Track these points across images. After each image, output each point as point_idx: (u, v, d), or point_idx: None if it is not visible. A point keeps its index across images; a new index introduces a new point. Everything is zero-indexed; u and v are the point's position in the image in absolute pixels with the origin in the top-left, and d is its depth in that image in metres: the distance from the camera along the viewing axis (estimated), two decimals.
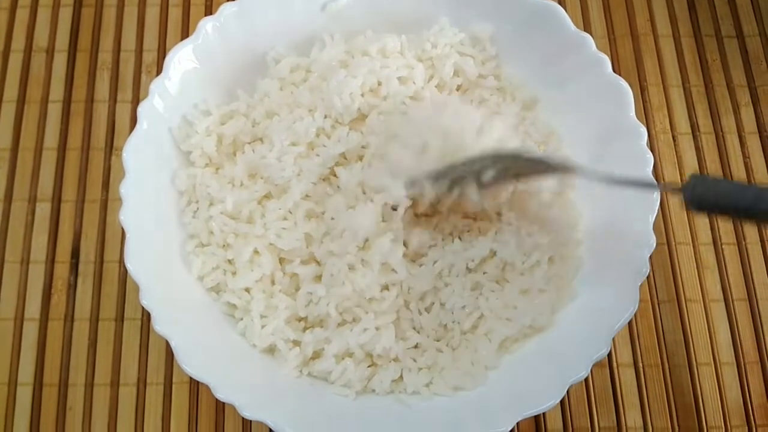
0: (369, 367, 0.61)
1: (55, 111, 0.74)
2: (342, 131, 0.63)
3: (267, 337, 0.60)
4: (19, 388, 0.65)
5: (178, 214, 0.64)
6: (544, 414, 0.64)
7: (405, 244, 0.62)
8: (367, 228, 0.60)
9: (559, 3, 0.77)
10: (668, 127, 0.74)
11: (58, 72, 0.76)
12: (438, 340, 0.62)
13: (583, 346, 0.56)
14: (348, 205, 0.61)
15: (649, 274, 0.67)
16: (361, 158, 0.64)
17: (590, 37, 0.64)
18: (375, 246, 0.60)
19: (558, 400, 0.54)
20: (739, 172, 0.73)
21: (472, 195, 0.59)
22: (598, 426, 0.64)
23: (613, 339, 0.65)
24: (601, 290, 0.60)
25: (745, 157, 0.73)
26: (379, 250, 0.60)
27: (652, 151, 0.69)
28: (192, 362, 0.55)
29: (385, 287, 0.61)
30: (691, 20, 0.78)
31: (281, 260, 0.63)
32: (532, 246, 0.61)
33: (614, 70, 0.64)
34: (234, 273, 0.62)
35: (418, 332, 0.62)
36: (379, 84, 0.65)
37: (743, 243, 0.70)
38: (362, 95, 0.65)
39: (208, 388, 0.54)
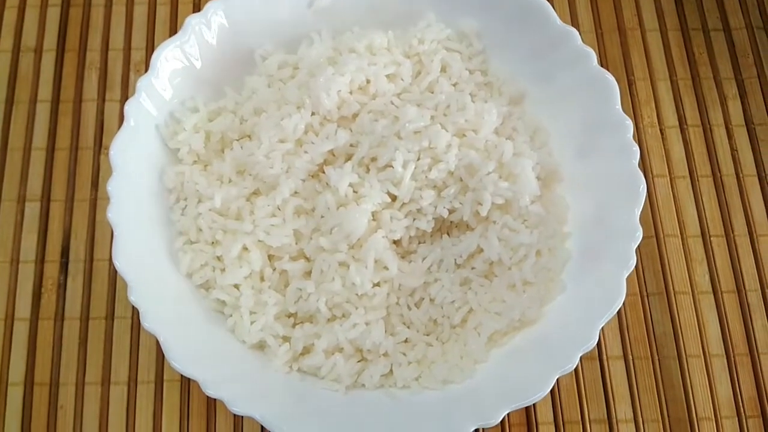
0: (359, 362, 0.61)
1: (43, 111, 0.74)
2: (330, 128, 0.64)
3: (256, 333, 0.60)
4: (10, 388, 0.65)
5: (166, 211, 0.64)
6: (534, 407, 0.64)
7: (395, 242, 0.63)
8: (361, 229, 0.60)
9: None
10: (656, 120, 0.74)
11: (46, 72, 0.76)
12: (428, 335, 0.62)
13: (571, 338, 0.56)
14: (338, 203, 0.62)
15: (637, 267, 0.68)
16: (350, 157, 0.64)
17: (576, 31, 0.64)
18: (369, 243, 0.60)
19: (546, 392, 0.54)
20: (726, 165, 0.73)
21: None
22: (589, 418, 0.64)
23: (603, 332, 0.66)
24: (588, 283, 0.60)
25: (733, 149, 0.74)
26: (373, 247, 0.60)
27: (639, 144, 0.70)
28: (180, 358, 0.55)
29: (377, 284, 0.61)
30: (677, 14, 0.79)
31: (270, 257, 0.63)
32: (518, 243, 0.61)
33: (602, 65, 0.64)
34: (223, 270, 0.62)
35: (408, 327, 0.62)
36: (368, 82, 0.65)
37: (731, 235, 0.70)
38: (350, 93, 0.65)
39: (198, 385, 0.55)
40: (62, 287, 0.68)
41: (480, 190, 0.61)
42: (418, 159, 0.62)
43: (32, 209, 0.71)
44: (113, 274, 0.68)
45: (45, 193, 0.71)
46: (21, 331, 0.67)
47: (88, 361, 0.66)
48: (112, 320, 0.67)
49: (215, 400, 0.62)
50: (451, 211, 0.63)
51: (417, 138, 0.61)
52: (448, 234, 0.64)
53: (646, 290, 0.68)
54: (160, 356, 0.66)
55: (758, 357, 0.66)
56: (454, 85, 0.67)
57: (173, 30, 0.77)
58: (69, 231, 0.70)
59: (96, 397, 0.65)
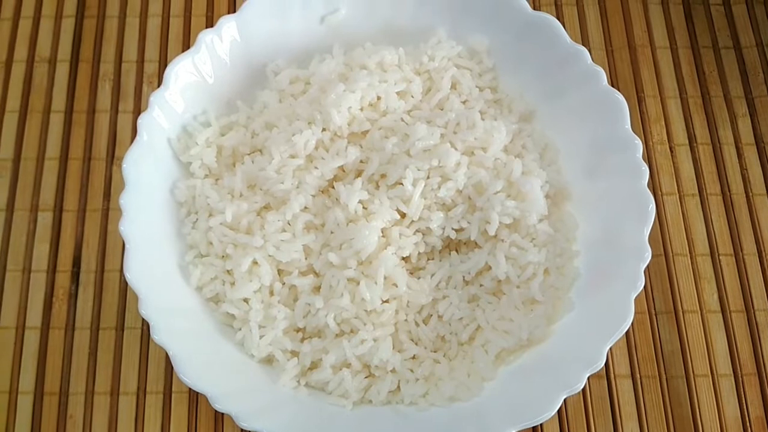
0: (366, 377, 0.61)
1: (57, 121, 0.75)
2: (340, 144, 0.64)
3: (265, 348, 0.61)
4: (20, 397, 0.66)
5: (177, 224, 0.64)
6: (541, 425, 0.64)
7: (403, 258, 0.63)
8: (371, 246, 0.60)
9: (557, 15, 0.78)
10: (665, 138, 0.74)
11: (60, 82, 0.76)
12: (435, 351, 0.62)
13: (579, 358, 0.56)
14: (348, 219, 0.62)
15: (646, 285, 0.67)
16: (360, 173, 0.64)
17: (586, 49, 0.64)
18: (379, 260, 0.60)
19: (553, 412, 0.54)
20: (736, 183, 0.73)
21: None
22: None
23: (611, 350, 0.65)
24: (596, 302, 0.60)
25: (743, 168, 0.73)
26: (383, 263, 0.60)
27: (649, 162, 0.70)
28: (190, 372, 0.55)
29: (385, 300, 0.62)
30: (688, 31, 0.79)
31: (280, 271, 0.63)
32: (526, 262, 0.61)
33: (612, 82, 0.64)
34: (233, 283, 0.62)
35: (416, 344, 0.62)
36: (378, 98, 0.66)
37: (740, 254, 0.70)
38: (361, 110, 0.65)
39: (206, 397, 0.55)
40: (73, 297, 0.69)
41: (487, 209, 0.62)
42: (428, 177, 0.62)
43: (44, 219, 0.71)
44: (124, 284, 0.69)
45: (57, 202, 0.72)
46: (32, 340, 0.67)
47: (97, 371, 0.66)
48: (122, 331, 0.67)
49: None
50: (458, 231, 0.63)
51: (427, 156, 0.62)
52: (456, 251, 0.65)
53: (655, 309, 0.68)
54: (169, 367, 0.66)
55: (766, 377, 0.66)
56: (464, 102, 0.68)
57: (186, 43, 0.78)
58: (81, 241, 0.70)
59: (105, 407, 0.65)
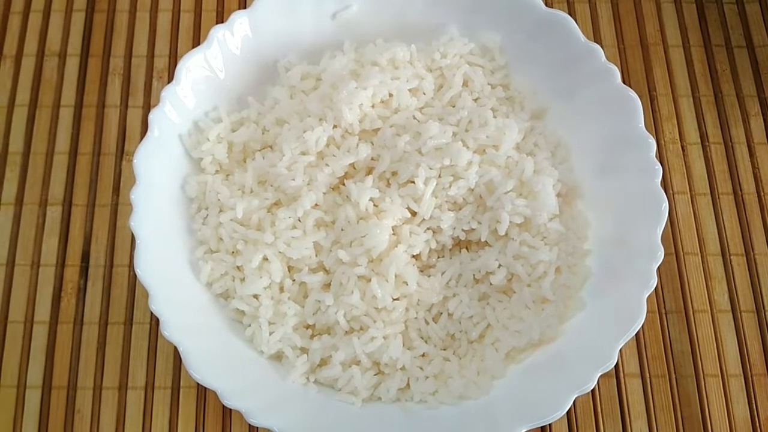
0: (376, 375, 0.61)
1: (66, 115, 0.75)
2: (351, 141, 0.64)
3: (274, 344, 0.61)
4: (28, 391, 0.66)
5: (187, 220, 0.64)
6: (550, 424, 0.64)
7: (414, 256, 0.63)
8: (382, 245, 0.60)
9: (569, 13, 0.77)
10: (677, 136, 0.74)
11: (70, 76, 0.76)
12: (445, 350, 0.62)
13: (590, 357, 0.56)
14: (358, 217, 0.62)
15: (656, 284, 0.67)
16: (371, 170, 0.64)
17: (599, 47, 0.64)
18: (390, 258, 0.60)
19: (564, 412, 0.54)
20: (748, 183, 0.72)
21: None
22: None
23: (621, 349, 0.65)
24: (608, 301, 0.60)
25: (754, 167, 0.73)
26: (394, 262, 0.60)
27: (660, 160, 0.69)
28: (200, 368, 0.55)
29: (396, 298, 0.61)
30: (701, 30, 0.78)
31: (290, 268, 0.63)
32: (537, 260, 0.61)
33: (624, 80, 0.64)
34: (243, 280, 0.62)
35: (426, 342, 0.62)
36: (390, 95, 0.65)
37: (752, 254, 0.70)
38: (373, 107, 0.65)
39: (215, 393, 0.55)
40: (82, 291, 0.69)
41: (498, 209, 0.61)
42: (439, 176, 0.62)
43: (54, 213, 0.71)
44: (132, 279, 0.68)
45: (67, 197, 0.72)
46: (40, 334, 0.67)
47: (105, 365, 0.66)
48: (131, 325, 0.67)
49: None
50: (468, 232, 0.63)
51: (438, 155, 0.62)
52: (467, 249, 0.64)
53: (665, 308, 0.68)
54: (178, 362, 0.66)
55: None
56: (476, 99, 0.67)
57: (197, 38, 0.78)
58: (90, 235, 0.70)
59: (113, 401, 0.65)
